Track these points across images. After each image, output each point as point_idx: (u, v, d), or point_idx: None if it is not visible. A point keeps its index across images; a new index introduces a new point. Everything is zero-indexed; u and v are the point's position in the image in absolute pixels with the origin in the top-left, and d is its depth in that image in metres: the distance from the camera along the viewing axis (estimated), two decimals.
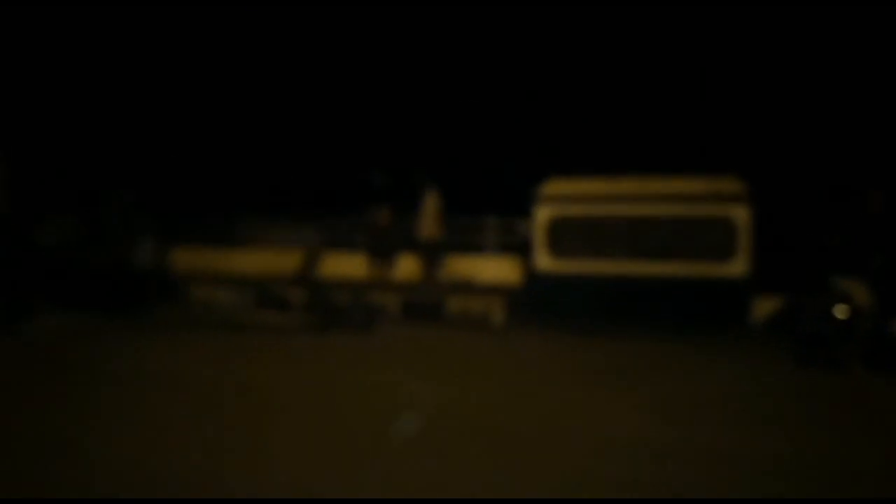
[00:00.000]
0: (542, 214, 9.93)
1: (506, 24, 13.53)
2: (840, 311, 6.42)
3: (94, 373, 6.19)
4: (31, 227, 10.43)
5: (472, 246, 12.02)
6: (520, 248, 11.31)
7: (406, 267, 11.71)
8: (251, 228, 13.36)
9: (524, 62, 13.22)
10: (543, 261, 9.92)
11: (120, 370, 6.38)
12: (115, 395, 5.37)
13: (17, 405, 5.18)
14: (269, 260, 11.47)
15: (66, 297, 9.47)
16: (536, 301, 9.75)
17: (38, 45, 13.44)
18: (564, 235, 9.80)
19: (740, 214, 8.95)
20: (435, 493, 3.61)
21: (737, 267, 8.92)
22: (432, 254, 10.88)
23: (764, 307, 8.75)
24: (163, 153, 14.29)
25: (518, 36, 13.40)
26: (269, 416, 4.97)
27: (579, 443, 4.52)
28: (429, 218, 10.63)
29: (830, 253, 6.61)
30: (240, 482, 3.69)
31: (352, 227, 12.40)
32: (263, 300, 8.70)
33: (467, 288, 10.85)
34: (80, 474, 3.78)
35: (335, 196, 12.09)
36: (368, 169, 11.38)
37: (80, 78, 14.12)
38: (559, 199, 9.90)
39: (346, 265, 11.69)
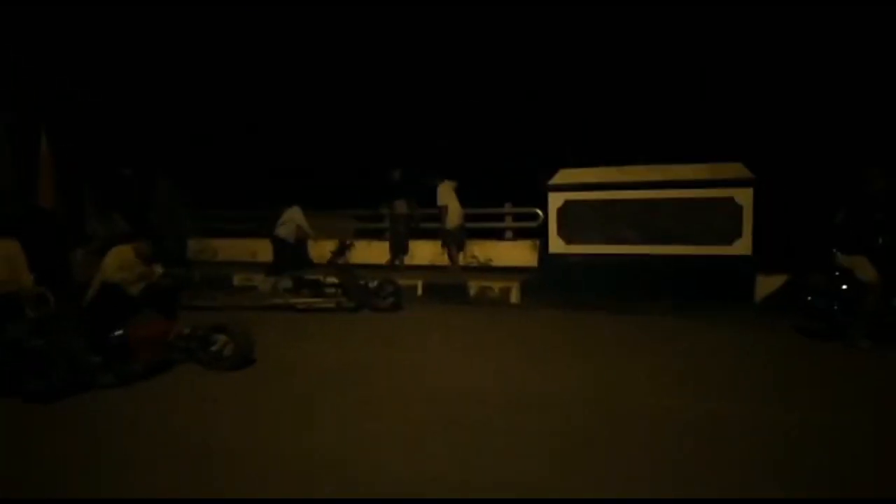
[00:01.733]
0: (555, 201, 10.06)
1: (516, 18, 13.54)
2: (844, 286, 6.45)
3: None
4: (79, 222, 10.66)
5: (491, 231, 12.20)
6: (535, 233, 11.45)
7: (430, 251, 11.90)
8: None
9: (536, 57, 13.24)
10: (557, 244, 10.04)
11: None
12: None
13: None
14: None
15: None
16: (551, 282, 9.87)
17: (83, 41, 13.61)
18: (576, 220, 9.91)
19: (744, 197, 8.99)
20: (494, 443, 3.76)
21: (743, 247, 8.97)
22: (454, 239, 11.05)
23: (769, 285, 8.78)
24: (204, 148, 14.48)
25: (528, 31, 13.41)
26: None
27: (594, 409, 4.63)
28: (447, 207, 10.78)
29: (835, 230, 6.59)
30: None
31: (378, 217, 12.64)
32: (300, 284, 8.88)
33: (487, 270, 11.00)
34: None
35: (363, 190, 12.26)
36: (391, 165, 11.58)
37: (124, 73, 14.33)
38: (570, 186, 10.02)
39: (374, 251, 11.90)
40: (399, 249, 11.50)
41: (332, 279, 8.89)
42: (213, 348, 5.60)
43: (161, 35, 14.78)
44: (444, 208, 10.77)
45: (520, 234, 12.03)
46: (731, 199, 9.04)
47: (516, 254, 11.71)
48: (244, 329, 5.76)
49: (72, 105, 12.41)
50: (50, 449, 3.95)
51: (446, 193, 10.83)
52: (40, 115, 9.95)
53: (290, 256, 10.13)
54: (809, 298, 6.81)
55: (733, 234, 9.01)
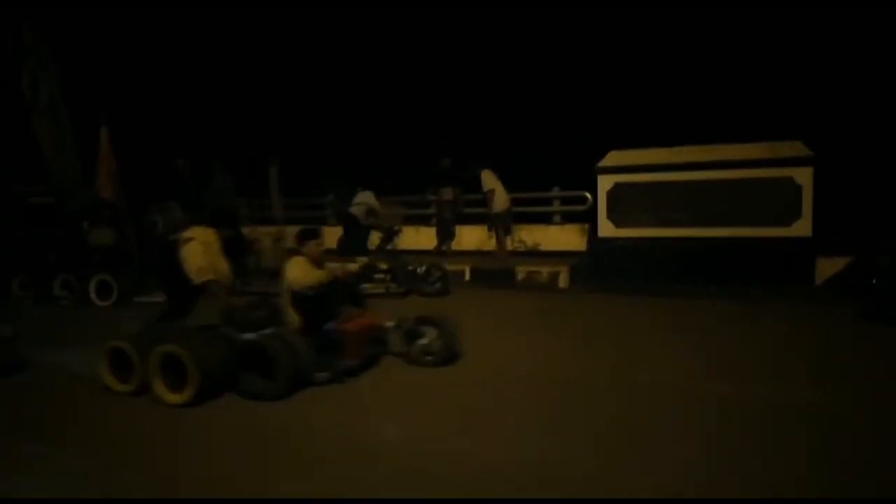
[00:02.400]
0: (605, 184, 9.83)
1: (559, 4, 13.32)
2: None
3: None
4: (141, 214, 11.02)
5: (539, 216, 12.05)
6: (584, 217, 11.25)
7: (477, 237, 11.85)
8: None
9: (587, 38, 12.95)
10: (607, 228, 9.83)
11: None
12: None
13: None
14: None
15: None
16: (600, 266, 9.67)
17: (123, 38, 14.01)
18: (626, 203, 9.68)
19: (804, 176, 8.59)
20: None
21: (802, 228, 8.59)
22: (501, 223, 10.94)
23: (830, 267, 8.40)
24: (258, 137, 14.74)
25: (578, 11, 13.12)
26: None
27: (640, 390, 4.56)
28: (493, 191, 10.68)
29: None
30: None
31: (425, 203, 12.64)
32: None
33: (535, 255, 10.86)
34: None
35: (410, 176, 12.27)
36: (438, 155, 11.56)
37: (178, 63, 14.70)
38: (620, 169, 9.77)
39: (422, 237, 11.92)
40: (446, 235, 11.49)
41: (382, 265, 8.95)
42: (423, 342, 5.27)
43: (213, 23, 15.07)
44: (491, 192, 10.68)
45: (568, 218, 11.84)
46: (790, 179, 8.65)
47: (564, 238, 11.54)
48: (451, 322, 5.38)
49: (129, 97, 12.81)
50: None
51: (491, 179, 10.73)
52: (100, 107, 10.27)
53: (356, 237, 10.24)
54: (875, 281, 6.49)
55: (792, 216, 8.63)
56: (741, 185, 8.94)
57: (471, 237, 11.99)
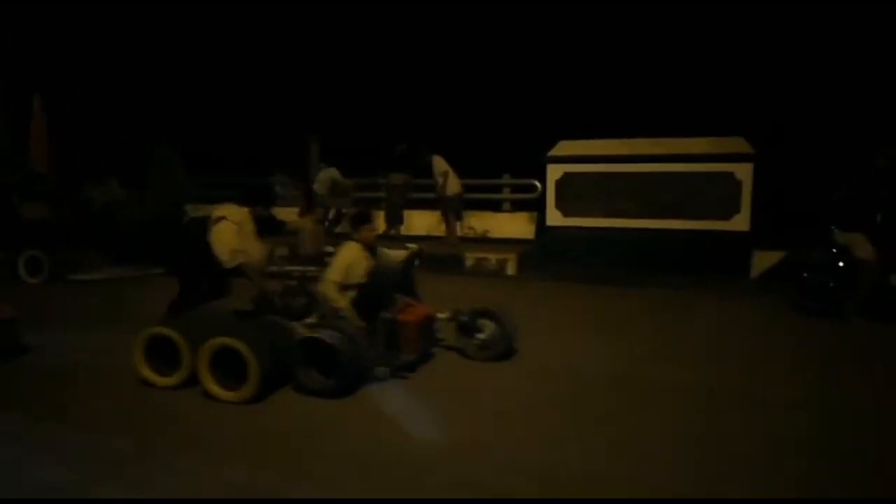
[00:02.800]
0: (554, 173, 9.92)
1: None
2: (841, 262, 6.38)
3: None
4: (77, 188, 10.54)
5: (489, 203, 12.08)
6: (533, 205, 11.33)
7: (426, 222, 11.79)
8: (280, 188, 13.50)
9: (539, 28, 12.99)
10: (555, 217, 9.92)
11: None
12: None
13: None
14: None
15: (115, 253, 9.60)
16: (548, 254, 9.79)
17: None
18: (574, 193, 9.78)
19: (744, 172, 8.85)
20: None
21: (740, 222, 8.86)
22: (453, 209, 10.91)
23: (766, 260, 8.70)
24: (203, 114, 14.27)
25: (529, 7, 13.15)
26: None
27: (582, 376, 4.65)
28: (446, 175, 10.62)
29: (834, 207, 6.50)
30: None
31: (375, 185, 12.50)
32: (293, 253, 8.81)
33: (484, 242, 10.89)
34: None
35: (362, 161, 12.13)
36: (391, 140, 11.46)
37: (121, 41, 14.04)
38: (570, 158, 9.86)
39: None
40: (394, 218, 11.39)
41: (328, 248, 8.81)
42: (481, 336, 4.97)
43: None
44: (443, 177, 10.61)
45: (518, 206, 11.92)
46: (730, 174, 8.90)
47: (514, 226, 11.61)
48: (509, 315, 5.08)
49: (66, 69, 12.18)
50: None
51: (442, 164, 10.67)
52: (33, 79, 9.73)
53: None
54: (806, 275, 6.75)
55: (732, 210, 8.89)
56: (686, 178, 9.15)
57: (420, 222, 11.94)
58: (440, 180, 10.55)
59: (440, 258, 9.95)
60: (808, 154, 9.72)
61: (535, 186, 11.28)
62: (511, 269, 9.60)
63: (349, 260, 4.80)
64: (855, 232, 6.26)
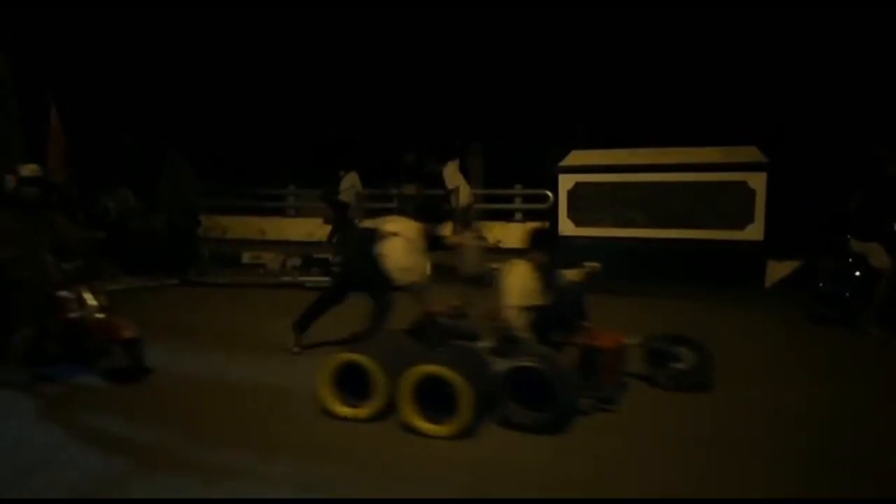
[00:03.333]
0: (565, 183, 9.92)
1: (528, 5, 13.35)
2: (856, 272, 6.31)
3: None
4: (92, 198, 10.65)
5: (500, 213, 12.08)
6: (545, 215, 11.31)
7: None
8: (294, 199, 13.64)
9: (550, 38, 13.03)
10: (566, 226, 9.91)
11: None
12: None
13: None
14: (311, 227, 11.69)
15: (127, 262, 9.68)
16: (559, 264, 9.74)
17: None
18: (586, 202, 9.78)
19: (758, 181, 8.81)
20: None
21: (754, 232, 8.81)
22: (462, 219, 10.90)
23: (780, 270, 8.64)
24: (216, 123, 14.38)
25: (541, 10, 13.19)
26: None
27: None
28: (458, 188, 10.62)
29: (849, 216, 6.44)
30: None
31: (388, 196, 12.54)
32: (309, 262, 8.84)
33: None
34: None
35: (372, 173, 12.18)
36: (402, 151, 11.49)
37: (134, 50, 14.19)
38: (581, 168, 9.86)
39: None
40: None
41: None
42: (678, 365, 4.58)
43: (173, 5, 14.61)
44: (455, 189, 10.61)
45: (529, 216, 11.90)
46: (743, 184, 8.86)
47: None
48: (704, 343, 4.64)
49: (81, 76, 12.33)
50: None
51: (453, 174, 10.66)
52: (49, 86, 9.85)
53: (352, 226, 9.81)
54: (821, 284, 6.69)
55: (745, 219, 8.85)
56: (698, 187, 9.12)
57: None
58: (452, 192, 10.54)
59: (452, 268, 9.94)
60: (822, 162, 9.64)
61: (547, 196, 11.27)
62: None
63: (522, 281, 4.57)
64: (871, 241, 6.20)
